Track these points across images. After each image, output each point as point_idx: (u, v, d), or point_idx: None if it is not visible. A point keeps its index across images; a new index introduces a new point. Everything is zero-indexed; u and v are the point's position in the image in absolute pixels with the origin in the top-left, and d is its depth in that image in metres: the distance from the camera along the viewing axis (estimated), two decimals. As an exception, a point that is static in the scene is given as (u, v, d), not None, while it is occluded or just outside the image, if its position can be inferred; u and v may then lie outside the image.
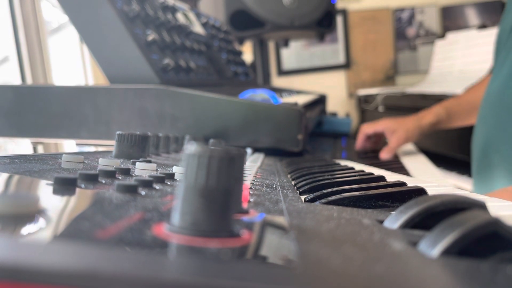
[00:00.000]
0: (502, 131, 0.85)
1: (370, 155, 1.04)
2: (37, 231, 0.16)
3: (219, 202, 0.17)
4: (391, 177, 0.48)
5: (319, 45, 3.11)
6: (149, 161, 0.39)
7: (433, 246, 0.18)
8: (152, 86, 0.74)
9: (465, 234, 0.17)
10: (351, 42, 3.18)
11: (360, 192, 0.31)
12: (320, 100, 1.37)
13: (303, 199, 0.33)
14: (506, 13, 1.01)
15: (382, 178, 0.40)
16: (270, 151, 0.76)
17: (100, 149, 0.86)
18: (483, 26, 2.28)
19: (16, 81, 1.19)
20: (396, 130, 1.07)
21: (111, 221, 0.18)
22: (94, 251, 0.13)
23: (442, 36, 2.85)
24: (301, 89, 1.52)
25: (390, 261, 0.16)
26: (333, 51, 3.17)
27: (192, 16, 1.05)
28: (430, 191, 0.32)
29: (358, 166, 0.60)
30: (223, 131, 0.74)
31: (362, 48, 3.20)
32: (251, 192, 0.32)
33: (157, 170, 0.38)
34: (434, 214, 0.22)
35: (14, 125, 0.77)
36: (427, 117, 1.11)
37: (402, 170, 0.82)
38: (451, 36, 2.31)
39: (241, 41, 1.43)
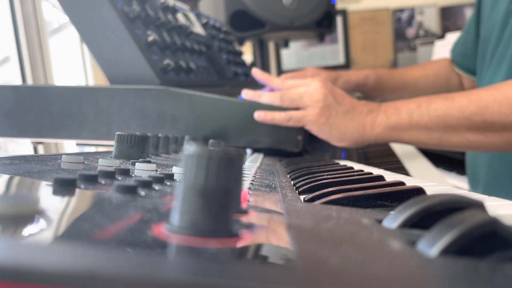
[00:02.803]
0: None
1: (370, 155, 1.04)
2: (37, 232, 0.16)
3: (218, 202, 0.17)
4: (390, 176, 0.48)
5: (318, 45, 3.11)
6: (149, 162, 0.39)
7: (431, 245, 0.18)
8: (152, 86, 0.74)
9: (464, 234, 0.17)
10: (350, 43, 3.18)
11: (359, 191, 0.32)
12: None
13: (302, 199, 0.34)
14: (487, 15, 0.97)
15: (381, 178, 0.40)
16: (269, 151, 0.76)
17: (100, 149, 0.86)
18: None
19: (17, 81, 1.19)
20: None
21: (110, 221, 0.18)
22: (93, 251, 0.13)
23: (441, 36, 2.85)
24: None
25: (388, 261, 0.16)
26: (332, 52, 3.18)
27: (192, 16, 1.06)
28: (429, 191, 0.32)
29: (357, 166, 0.60)
30: (223, 132, 0.74)
31: (361, 48, 3.20)
32: (250, 192, 0.32)
33: (156, 170, 0.38)
34: (433, 213, 0.22)
35: (15, 125, 0.77)
36: (356, 75, 1.10)
37: (401, 170, 0.82)
38: (451, 36, 2.31)
39: (241, 42, 1.43)
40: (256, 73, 0.86)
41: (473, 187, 1.01)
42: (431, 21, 3.16)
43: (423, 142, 0.74)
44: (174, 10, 0.95)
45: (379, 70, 1.15)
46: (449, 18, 3.13)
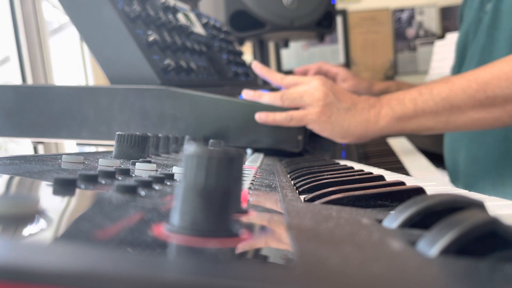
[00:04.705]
0: None
1: (370, 155, 1.04)
2: (37, 232, 0.16)
3: (218, 202, 0.17)
4: (390, 176, 0.48)
5: (318, 45, 3.11)
6: (149, 162, 0.39)
7: (431, 245, 0.18)
8: (153, 86, 0.74)
9: (464, 233, 0.17)
10: (350, 43, 3.18)
11: (359, 191, 0.32)
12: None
13: (302, 198, 0.34)
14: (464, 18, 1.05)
15: (381, 178, 0.40)
16: (269, 151, 0.76)
17: (101, 149, 0.86)
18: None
19: (17, 81, 1.19)
20: (347, 80, 1.11)
21: (110, 221, 0.18)
22: (94, 251, 0.13)
23: (441, 36, 2.85)
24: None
25: (388, 261, 0.16)
26: (332, 52, 3.18)
27: (192, 16, 1.06)
28: (429, 191, 0.32)
29: (357, 166, 0.60)
30: (223, 132, 0.74)
31: (361, 48, 3.20)
32: (250, 192, 0.32)
33: (156, 170, 0.38)
34: (433, 213, 0.22)
35: (15, 125, 0.77)
36: (379, 85, 1.15)
37: (401, 169, 0.82)
38: (451, 36, 2.31)
39: (241, 42, 1.43)
40: (256, 66, 0.86)
41: (453, 174, 1.06)
42: (431, 21, 3.16)
43: (430, 127, 0.75)
44: (174, 10, 0.95)
45: (399, 81, 1.23)
46: (449, 18, 3.13)
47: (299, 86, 0.76)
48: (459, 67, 1.05)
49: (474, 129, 0.77)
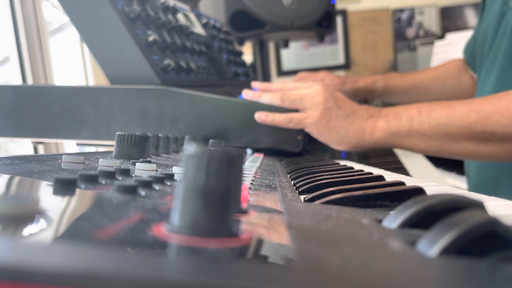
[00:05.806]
0: None
1: (370, 155, 1.04)
2: (37, 232, 0.16)
3: (218, 202, 0.17)
4: (390, 176, 0.48)
5: (318, 45, 3.11)
6: (149, 162, 0.39)
7: (431, 245, 0.18)
8: (153, 86, 0.74)
9: (464, 234, 0.17)
10: (350, 43, 3.18)
11: (359, 191, 0.32)
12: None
13: (302, 199, 0.34)
14: (482, 19, 0.99)
15: (381, 178, 0.40)
16: (269, 151, 0.76)
17: (101, 149, 0.86)
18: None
19: (17, 81, 1.19)
20: (335, 85, 1.08)
21: (111, 221, 0.18)
22: (94, 251, 0.13)
23: (441, 36, 2.85)
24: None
25: (388, 261, 0.16)
26: (332, 52, 3.17)
27: (192, 16, 1.06)
28: (429, 191, 0.32)
29: (357, 166, 0.60)
30: (223, 132, 0.74)
31: (361, 48, 3.20)
32: (250, 192, 0.32)
33: (157, 170, 0.38)
34: (433, 213, 0.22)
35: (15, 125, 0.77)
36: (364, 80, 1.12)
37: (401, 170, 0.82)
38: (451, 36, 2.31)
39: (241, 42, 1.43)
40: (256, 85, 0.87)
41: (467, 184, 1.03)
42: (431, 21, 3.16)
43: (423, 149, 0.74)
44: (174, 10, 0.95)
45: (388, 74, 1.16)
46: (449, 18, 3.13)
47: (300, 89, 0.76)
48: (480, 66, 0.97)
49: (470, 159, 0.75)
